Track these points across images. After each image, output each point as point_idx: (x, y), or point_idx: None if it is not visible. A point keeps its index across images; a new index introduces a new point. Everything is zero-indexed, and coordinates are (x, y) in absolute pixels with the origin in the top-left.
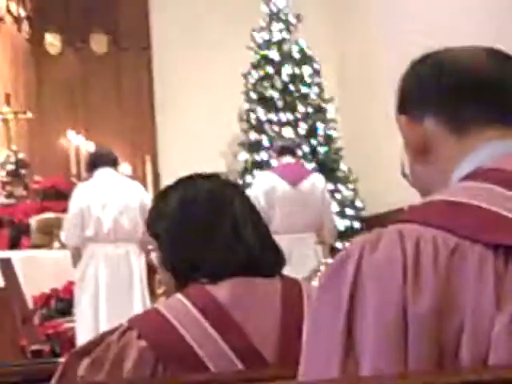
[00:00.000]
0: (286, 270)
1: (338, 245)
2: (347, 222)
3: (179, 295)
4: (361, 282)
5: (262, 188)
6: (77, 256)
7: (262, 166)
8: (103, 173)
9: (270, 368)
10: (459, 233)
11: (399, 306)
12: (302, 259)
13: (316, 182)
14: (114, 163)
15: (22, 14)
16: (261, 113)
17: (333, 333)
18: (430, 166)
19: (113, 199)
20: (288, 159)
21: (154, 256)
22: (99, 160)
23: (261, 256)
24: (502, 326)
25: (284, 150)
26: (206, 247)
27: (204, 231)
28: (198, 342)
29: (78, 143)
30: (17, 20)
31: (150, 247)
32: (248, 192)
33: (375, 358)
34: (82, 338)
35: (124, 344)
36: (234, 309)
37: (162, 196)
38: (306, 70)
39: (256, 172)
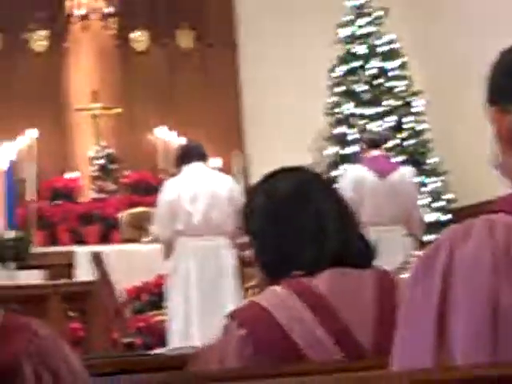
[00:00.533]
0: (375, 262)
1: (428, 238)
2: (437, 215)
3: (277, 287)
4: (452, 273)
5: (350, 180)
6: (169, 249)
7: (350, 159)
8: (192, 167)
9: (367, 358)
10: None
11: (491, 297)
12: (391, 251)
13: (405, 173)
14: (203, 157)
15: (109, 11)
16: (347, 106)
17: (425, 326)
18: None
19: (202, 192)
20: (375, 152)
21: (248, 252)
22: (189, 154)
23: (349, 248)
24: None
25: (373, 143)
26: (295, 242)
27: (291, 226)
28: (297, 331)
29: (166, 138)
30: (103, 17)
31: (240, 241)
32: (337, 185)
33: (466, 349)
34: (174, 331)
35: (226, 336)
36: (333, 298)
37: (250, 193)
38: (393, 64)
39: (343, 166)
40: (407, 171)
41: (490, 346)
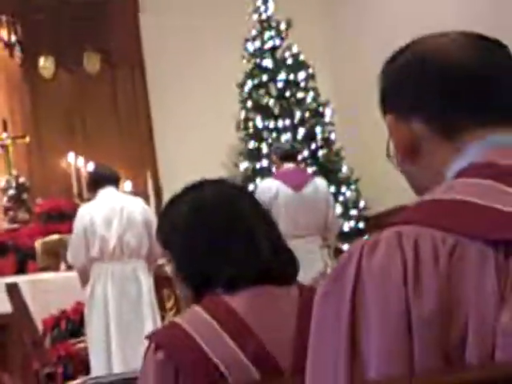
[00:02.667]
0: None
1: (344, 246)
2: (352, 223)
3: (197, 307)
4: (361, 287)
5: (265, 195)
6: (84, 276)
7: (263, 173)
8: (106, 192)
9: (284, 377)
10: (457, 230)
11: (402, 309)
12: (309, 262)
13: (319, 185)
14: (115, 181)
15: (13, 39)
16: (258, 120)
17: (336, 341)
18: (421, 166)
19: (116, 217)
20: (289, 165)
21: (168, 268)
22: (100, 179)
23: (276, 261)
24: (508, 322)
25: (286, 156)
26: (221, 256)
27: (217, 239)
28: (215, 350)
29: (77, 164)
30: (8, 46)
31: (159, 262)
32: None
33: (381, 364)
34: (95, 358)
35: (145, 361)
36: (251, 318)
37: (170, 206)
38: (300, 76)
39: (258, 179)
40: (321, 182)
41: (404, 359)
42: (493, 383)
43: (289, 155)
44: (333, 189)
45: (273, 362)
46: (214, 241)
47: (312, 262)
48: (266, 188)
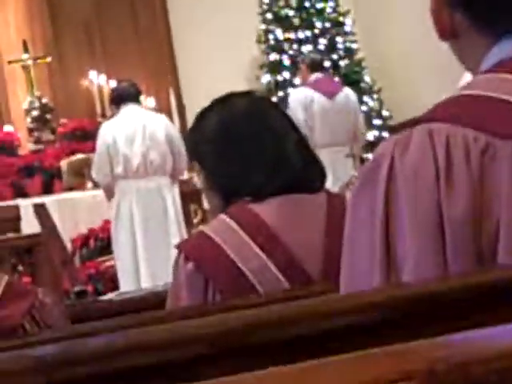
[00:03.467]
0: (328, 182)
1: (369, 156)
2: (375, 133)
3: (223, 216)
4: (394, 184)
5: (299, 102)
6: (110, 193)
7: (285, 85)
8: (128, 109)
9: (315, 284)
10: (489, 129)
11: (434, 208)
12: (339, 171)
13: (348, 93)
14: (137, 96)
15: None
16: (278, 32)
17: (370, 239)
18: (462, 42)
19: (139, 134)
20: (318, 74)
21: (196, 180)
22: (122, 95)
23: (305, 172)
24: None
25: (315, 65)
26: (251, 164)
27: (246, 148)
28: (244, 261)
29: (100, 82)
30: None
31: (184, 177)
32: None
33: (414, 262)
34: (123, 274)
35: (177, 271)
36: (279, 226)
37: (200, 118)
38: None
39: (280, 92)
40: (349, 91)
41: (437, 257)
42: None
43: (318, 64)
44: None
45: (301, 268)
46: (244, 150)
47: (342, 171)
48: (301, 95)
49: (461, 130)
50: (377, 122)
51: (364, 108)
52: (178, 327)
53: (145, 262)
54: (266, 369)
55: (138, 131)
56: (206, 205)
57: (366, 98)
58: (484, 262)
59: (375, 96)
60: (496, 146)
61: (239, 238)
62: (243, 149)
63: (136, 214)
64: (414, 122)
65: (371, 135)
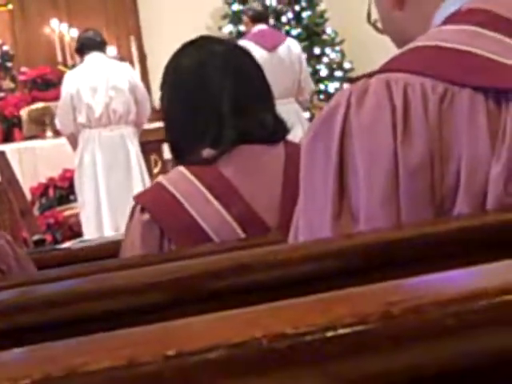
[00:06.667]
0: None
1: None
2: (337, 84)
3: (181, 167)
4: (349, 132)
5: None
6: (74, 142)
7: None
8: (92, 58)
9: (270, 234)
10: (447, 78)
11: (390, 156)
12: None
13: (291, 45)
14: (101, 45)
15: None
16: None
17: (324, 190)
18: (410, 10)
19: (103, 83)
20: (261, 26)
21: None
22: (87, 44)
23: (263, 122)
24: (496, 174)
25: (257, 17)
26: (198, 120)
27: (194, 103)
28: (200, 212)
29: (61, 30)
30: None
31: (146, 127)
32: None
33: (368, 213)
34: (86, 223)
35: (132, 221)
36: (236, 178)
37: (163, 73)
38: None
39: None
40: (293, 43)
41: (393, 206)
42: (483, 232)
43: (260, 16)
44: (318, 50)
45: (259, 220)
46: (209, 95)
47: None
48: None
49: (418, 79)
50: (338, 73)
51: (326, 60)
52: (134, 274)
53: (108, 210)
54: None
55: (101, 80)
56: (166, 155)
57: (327, 50)
58: (441, 213)
59: (337, 48)
60: (454, 93)
61: (196, 189)
62: (193, 103)
63: (99, 162)
64: (371, 74)
65: (332, 87)
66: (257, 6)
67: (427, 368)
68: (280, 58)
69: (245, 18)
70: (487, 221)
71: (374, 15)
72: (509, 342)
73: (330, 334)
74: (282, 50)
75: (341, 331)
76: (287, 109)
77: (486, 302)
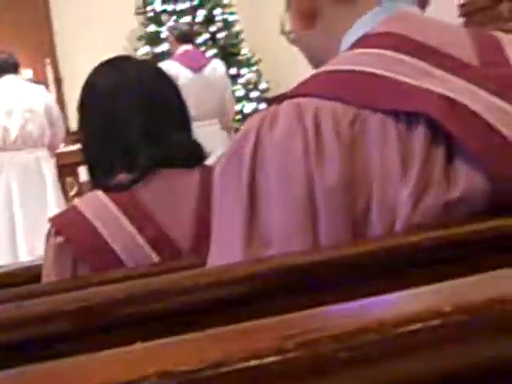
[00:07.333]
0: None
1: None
2: (253, 105)
3: (97, 191)
4: (261, 160)
5: None
6: None
7: (163, 57)
8: (6, 80)
9: (185, 258)
10: (357, 102)
11: (304, 180)
12: (210, 146)
13: (217, 66)
14: (15, 68)
15: None
16: (157, 4)
17: (235, 214)
18: (321, 29)
19: (18, 106)
20: (187, 46)
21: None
22: (1, 67)
23: (179, 147)
24: (405, 196)
25: (183, 37)
26: (125, 138)
27: (125, 121)
28: (114, 235)
29: None
30: None
31: (61, 150)
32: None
33: (282, 238)
34: (0, 249)
35: (47, 245)
36: (150, 202)
37: (92, 75)
38: None
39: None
40: (218, 64)
41: (307, 236)
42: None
43: (186, 36)
44: (234, 71)
45: (172, 244)
46: (122, 119)
47: (213, 146)
48: (166, 70)
49: (329, 104)
50: (254, 94)
51: (242, 80)
52: (38, 303)
53: (23, 235)
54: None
55: (16, 102)
56: (82, 177)
57: (243, 71)
58: (357, 235)
59: (253, 68)
60: (365, 117)
61: (110, 213)
62: (105, 126)
63: (14, 186)
64: (281, 98)
65: (249, 107)
66: (183, 25)
67: None
68: (206, 79)
69: (170, 37)
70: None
71: (288, 26)
72: (403, 373)
73: (223, 369)
74: (207, 70)
75: (234, 367)
76: (213, 130)
77: (380, 334)
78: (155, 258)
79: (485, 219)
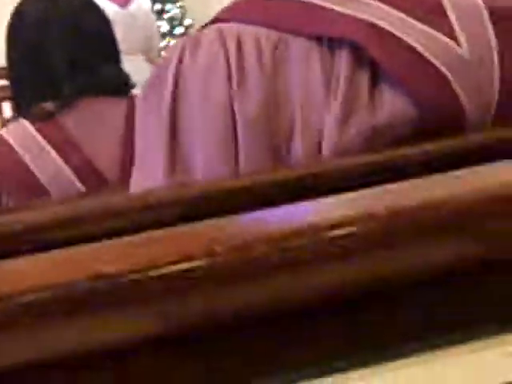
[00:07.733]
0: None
1: None
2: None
3: (22, 120)
4: (183, 85)
5: None
6: None
7: None
8: None
9: (109, 187)
10: (281, 27)
11: (225, 105)
12: (137, 80)
13: (142, 2)
14: None
15: None
16: None
17: (158, 137)
18: None
19: None
20: None
21: None
22: None
23: (106, 76)
24: (331, 120)
25: None
26: (52, 66)
27: (52, 49)
28: (38, 164)
29: None
30: None
31: None
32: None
33: (203, 163)
34: None
35: None
36: (77, 130)
37: (22, 4)
38: None
39: None
40: (143, 0)
41: (228, 160)
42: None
43: None
44: (158, 6)
45: (99, 175)
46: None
47: (140, 80)
48: None
49: (252, 29)
50: (179, 30)
51: (166, 16)
52: None
53: None
54: None
55: None
56: (6, 114)
57: (168, 6)
58: (279, 159)
59: (178, 4)
60: (288, 41)
61: (35, 141)
62: (29, 55)
63: None
64: (204, 26)
65: (173, 44)
66: None
67: (256, 305)
68: (132, 15)
69: None
70: (327, 167)
71: None
72: (335, 277)
73: (152, 272)
74: (133, 6)
75: (164, 270)
76: (138, 64)
77: (310, 237)
78: (81, 187)
79: (413, 144)
